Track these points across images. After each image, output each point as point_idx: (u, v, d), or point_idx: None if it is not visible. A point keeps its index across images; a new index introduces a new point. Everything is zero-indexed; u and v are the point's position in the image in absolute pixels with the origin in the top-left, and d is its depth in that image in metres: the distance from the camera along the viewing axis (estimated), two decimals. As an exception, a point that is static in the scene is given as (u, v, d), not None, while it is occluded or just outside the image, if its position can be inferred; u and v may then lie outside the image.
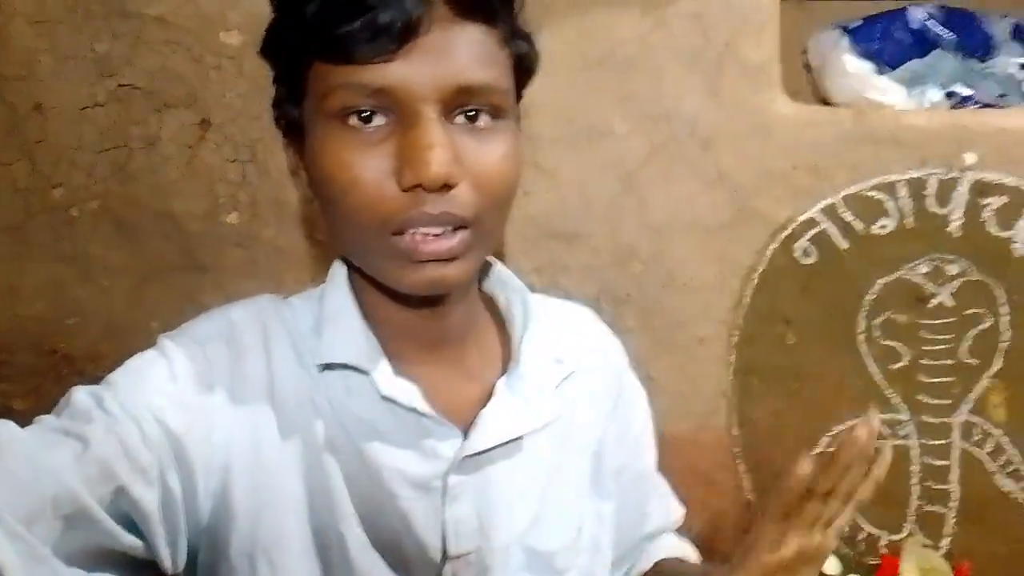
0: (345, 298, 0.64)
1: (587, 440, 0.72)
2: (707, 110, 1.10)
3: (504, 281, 0.71)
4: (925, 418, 1.14)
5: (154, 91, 1.15)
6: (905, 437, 1.15)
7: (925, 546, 1.16)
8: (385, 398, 0.60)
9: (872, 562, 1.17)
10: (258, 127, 1.14)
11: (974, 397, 1.13)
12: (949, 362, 1.12)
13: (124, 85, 1.15)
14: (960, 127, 1.07)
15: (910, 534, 1.17)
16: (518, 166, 0.58)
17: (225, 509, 0.58)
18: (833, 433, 1.16)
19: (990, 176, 1.07)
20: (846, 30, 1.19)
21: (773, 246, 1.13)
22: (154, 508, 0.52)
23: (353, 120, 0.53)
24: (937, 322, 1.12)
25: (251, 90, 1.13)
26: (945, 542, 1.16)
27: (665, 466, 0.83)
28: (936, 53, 1.19)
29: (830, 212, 1.11)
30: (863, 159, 1.09)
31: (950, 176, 1.07)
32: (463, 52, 0.53)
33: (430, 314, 0.63)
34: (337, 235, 0.59)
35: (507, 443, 0.63)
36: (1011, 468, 1.13)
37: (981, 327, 1.11)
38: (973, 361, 1.12)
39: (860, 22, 1.20)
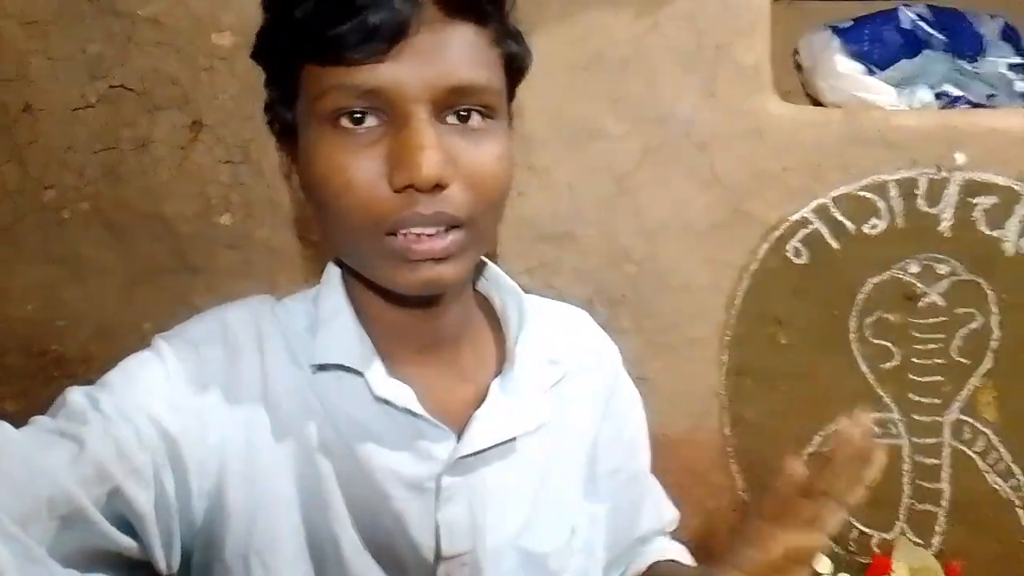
0: (339, 299, 0.64)
1: (581, 442, 0.72)
2: (700, 111, 1.10)
3: (499, 282, 0.71)
4: (916, 417, 1.15)
5: (146, 92, 1.15)
6: (896, 436, 1.15)
7: (916, 545, 1.17)
8: (379, 399, 0.60)
9: (863, 561, 1.17)
10: (250, 128, 1.14)
11: (965, 396, 1.13)
12: (940, 361, 1.13)
13: (115, 86, 1.15)
14: (950, 127, 1.07)
15: (901, 533, 1.17)
16: (511, 166, 0.58)
17: (219, 510, 0.58)
18: (824, 433, 1.16)
19: (980, 176, 1.07)
20: (837, 31, 1.20)
21: (765, 246, 1.14)
22: (149, 509, 0.52)
23: (345, 122, 0.54)
24: (928, 321, 1.12)
25: (243, 91, 1.13)
26: (936, 541, 1.17)
27: (659, 466, 0.83)
28: (926, 54, 1.19)
29: (822, 212, 1.11)
30: (854, 159, 1.09)
31: (940, 176, 1.08)
32: (454, 52, 0.53)
33: (424, 315, 0.63)
34: (331, 236, 0.59)
35: (501, 444, 0.63)
36: (1002, 467, 1.14)
37: (971, 326, 1.11)
38: (964, 360, 1.12)
39: (850, 23, 1.20)
